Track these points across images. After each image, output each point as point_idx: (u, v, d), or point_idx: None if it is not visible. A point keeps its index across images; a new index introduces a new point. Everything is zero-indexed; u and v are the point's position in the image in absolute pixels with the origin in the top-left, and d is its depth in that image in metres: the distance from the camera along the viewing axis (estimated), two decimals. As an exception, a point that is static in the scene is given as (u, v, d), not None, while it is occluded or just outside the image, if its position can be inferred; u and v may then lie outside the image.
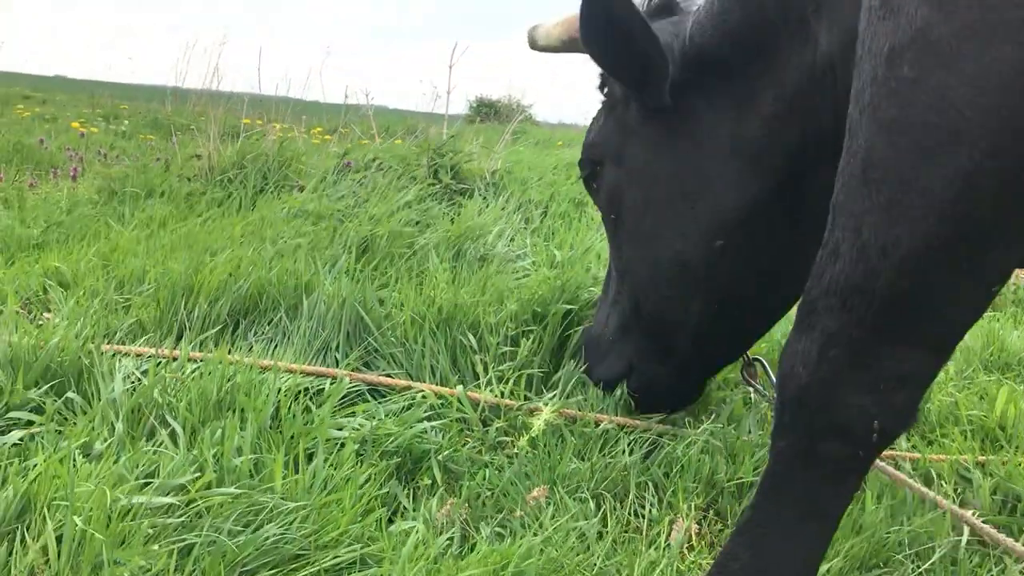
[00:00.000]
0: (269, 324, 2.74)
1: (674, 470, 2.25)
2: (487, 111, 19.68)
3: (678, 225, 2.11)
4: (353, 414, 2.38)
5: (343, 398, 2.44)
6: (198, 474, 1.91)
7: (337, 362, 2.63)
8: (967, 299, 1.37)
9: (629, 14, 1.94)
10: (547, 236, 4.10)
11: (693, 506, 2.11)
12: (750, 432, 2.43)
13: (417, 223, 3.80)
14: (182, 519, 1.77)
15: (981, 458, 2.49)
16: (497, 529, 2.00)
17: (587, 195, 5.32)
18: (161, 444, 2.06)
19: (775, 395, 1.57)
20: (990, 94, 1.18)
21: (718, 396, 2.73)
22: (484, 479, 2.17)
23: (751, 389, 2.47)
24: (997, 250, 1.30)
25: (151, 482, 1.86)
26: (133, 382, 2.35)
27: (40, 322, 2.77)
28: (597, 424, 2.42)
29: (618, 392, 2.51)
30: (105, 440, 2.04)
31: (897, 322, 1.36)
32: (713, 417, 2.50)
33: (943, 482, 2.37)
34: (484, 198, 4.39)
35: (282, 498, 1.89)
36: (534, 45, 2.52)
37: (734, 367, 2.63)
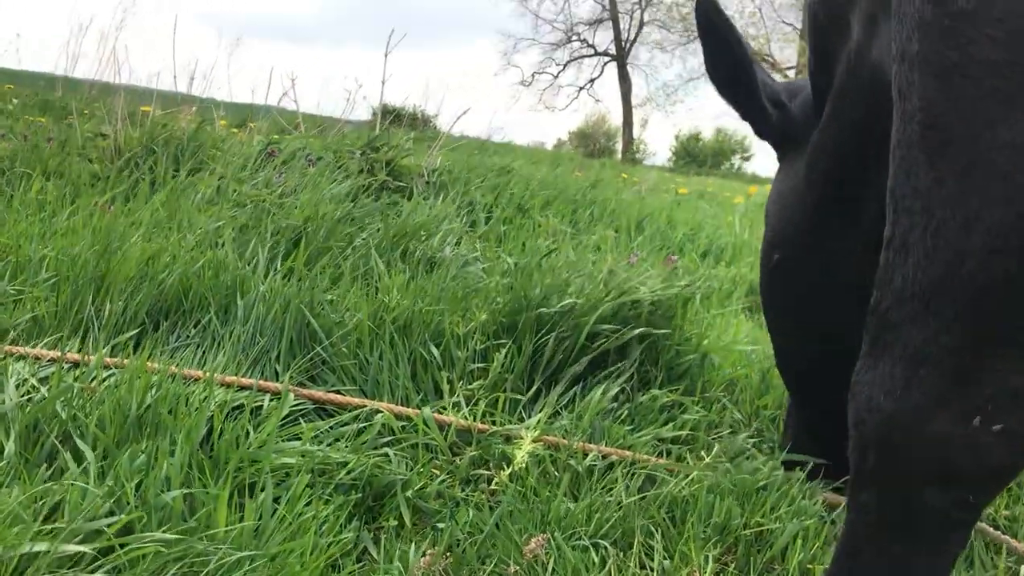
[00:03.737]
0: (195, 327, 2.32)
1: (679, 512, 1.95)
2: (392, 118, 19.31)
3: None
4: (297, 437, 2.00)
5: (284, 418, 2.05)
6: (117, 513, 1.51)
7: (278, 374, 2.23)
8: None
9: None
10: (497, 240, 3.79)
11: (710, 557, 1.80)
12: (758, 470, 2.15)
13: (353, 219, 3.40)
14: (98, 576, 1.36)
15: None
16: (490, 586, 1.66)
17: (533, 199, 5.03)
18: (66, 472, 1.64)
19: (851, 436, 1.27)
20: None
21: (706, 420, 2.44)
22: (465, 522, 1.82)
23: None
24: None
25: (54, 527, 1.44)
26: (29, 391, 1.90)
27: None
28: (585, 454, 2.10)
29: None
30: (-8, 466, 1.60)
31: (999, 320, 1.07)
32: (714, 451, 2.21)
33: None
34: (425, 197, 4.02)
35: (228, 548, 1.50)
36: None
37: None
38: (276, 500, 1.72)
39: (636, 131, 35.98)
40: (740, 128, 37.85)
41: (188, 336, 2.28)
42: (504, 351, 2.34)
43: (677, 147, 36.69)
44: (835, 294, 1.83)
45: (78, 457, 1.69)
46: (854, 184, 1.72)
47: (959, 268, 1.06)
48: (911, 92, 1.10)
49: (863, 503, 1.24)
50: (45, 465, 1.65)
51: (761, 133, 2.06)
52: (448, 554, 1.73)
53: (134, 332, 2.23)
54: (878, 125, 1.41)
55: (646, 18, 36.56)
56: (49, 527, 1.44)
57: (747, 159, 36.44)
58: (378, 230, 3.21)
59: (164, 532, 1.48)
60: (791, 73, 31.14)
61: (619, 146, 34.89)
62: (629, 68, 36.95)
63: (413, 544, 1.72)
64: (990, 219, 1.03)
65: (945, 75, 1.06)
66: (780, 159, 2.08)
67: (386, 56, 4.85)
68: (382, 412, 2.12)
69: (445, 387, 2.26)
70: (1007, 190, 1.02)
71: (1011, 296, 1.05)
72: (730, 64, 1.91)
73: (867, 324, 1.21)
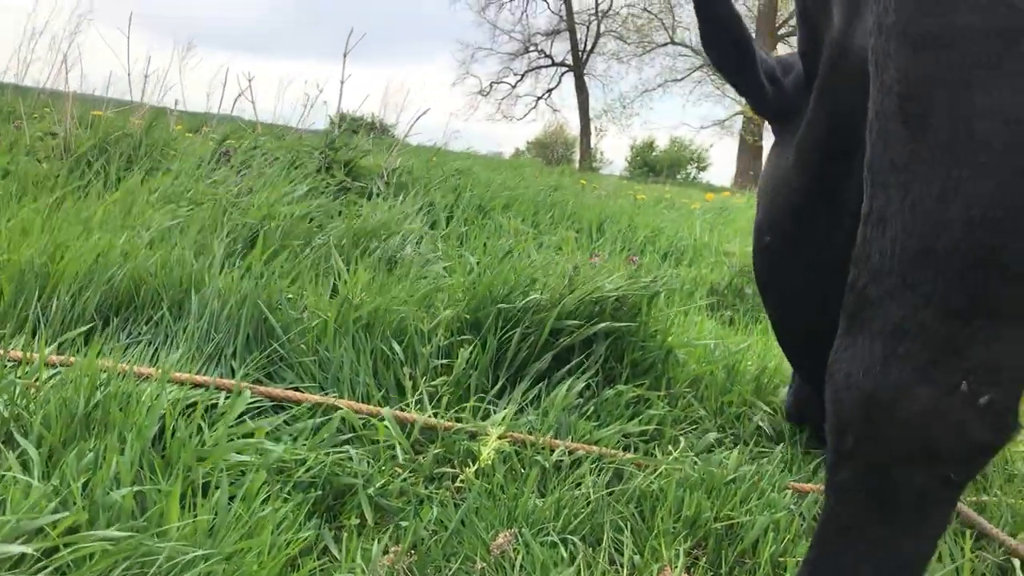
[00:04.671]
0: (148, 324, 2.23)
1: (648, 507, 1.91)
2: (350, 126, 19.16)
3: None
4: (251, 435, 1.93)
5: (240, 415, 1.98)
6: (62, 512, 1.43)
7: (233, 371, 2.15)
8: None
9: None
10: (460, 240, 3.73)
11: (681, 551, 1.76)
12: (723, 463, 2.12)
13: (311, 219, 3.33)
14: (43, 577, 1.28)
15: None
16: (457, 583, 1.60)
17: (493, 201, 4.98)
18: (8, 470, 1.55)
19: (828, 417, 1.24)
20: None
21: (672, 416, 2.41)
22: (429, 519, 1.76)
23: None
24: None
25: (-4, 525, 1.36)
26: (-32, 390, 1.81)
27: None
28: (552, 450, 2.05)
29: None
30: (-71, 465, 1.52)
31: (979, 292, 1.04)
32: (681, 445, 2.18)
33: None
34: (384, 198, 3.96)
35: (182, 545, 1.42)
36: None
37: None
38: (232, 499, 1.65)
39: (593, 140, 36.15)
40: (695, 138, 38.23)
41: (140, 333, 2.20)
42: (469, 348, 2.28)
43: (633, 156, 36.92)
44: (820, 279, 1.81)
45: (21, 456, 1.61)
46: (839, 171, 1.69)
47: (937, 240, 1.03)
48: (888, 64, 1.08)
49: (841, 484, 1.20)
50: (-14, 464, 1.57)
51: (758, 109, 2.04)
52: (412, 551, 1.67)
53: (83, 329, 2.14)
54: (862, 112, 1.39)
55: (602, 29, 36.79)
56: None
57: (703, 169, 36.76)
58: (337, 229, 3.14)
59: (113, 531, 1.41)
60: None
61: (577, 155, 35.01)
62: (586, 78, 37.13)
63: (376, 542, 1.66)
64: (969, 189, 1.00)
65: (922, 44, 1.03)
66: (775, 135, 2.07)
67: (345, 56, 4.78)
68: (341, 408, 2.05)
69: (408, 384, 2.20)
70: (986, 159, 0.99)
71: (991, 267, 1.02)
72: (728, 40, 1.90)
73: (844, 302, 1.18)
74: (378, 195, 3.99)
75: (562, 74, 38.59)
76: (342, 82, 4.78)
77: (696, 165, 36.73)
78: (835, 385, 1.18)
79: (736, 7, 1.93)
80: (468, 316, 2.45)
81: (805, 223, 1.82)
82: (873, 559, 1.19)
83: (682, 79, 33.98)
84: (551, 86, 38.82)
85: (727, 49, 1.92)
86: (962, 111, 1.01)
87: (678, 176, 33.82)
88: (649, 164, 34.98)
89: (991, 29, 0.98)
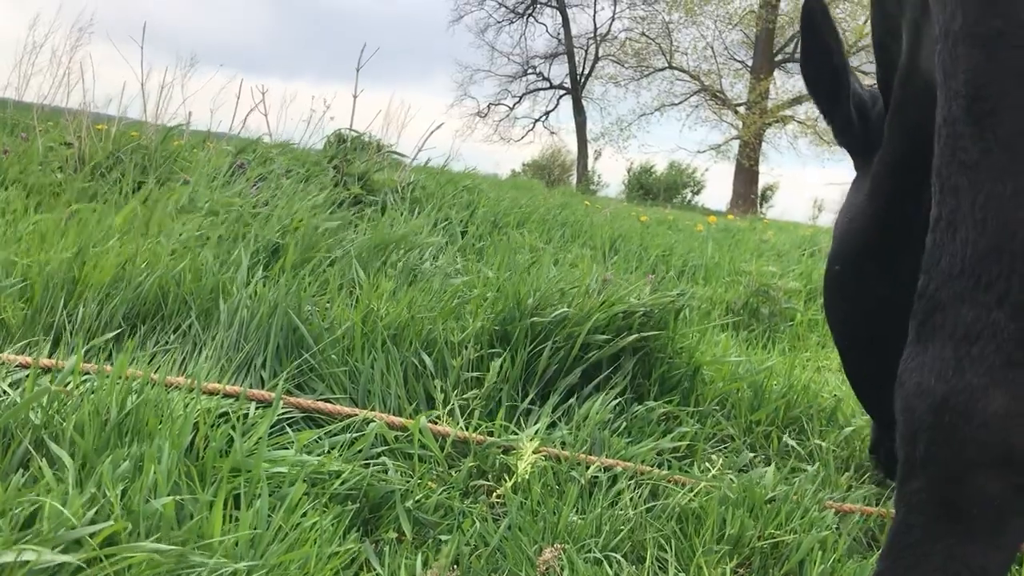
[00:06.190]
0: (175, 332, 2.19)
1: (689, 525, 1.87)
2: (357, 144, 19.20)
3: None
4: (286, 446, 1.89)
5: (272, 427, 1.94)
6: (100, 522, 1.38)
7: (263, 381, 2.11)
8: None
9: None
10: (478, 254, 3.70)
11: (727, 571, 1.72)
12: (762, 480, 2.08)
13: (332, 231, 3.30)
14: (84, 589, 1.24)
15: None
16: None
17: (506, 217, 4.96)
18: (42, 479, 1.51)
19: (899, 427, 1.20)
20: None
21: (703, 433, 2.37)
22: (470, 534, 1.72)
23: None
24: None
25: (33, 535, 1.31)
26: (-1, 396, 1.77)
27: None
28: (587, 466, 2.01)
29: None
30: (-37, 473, 1.47)
31: None
32: (719, 463, 2.14)
33: None
34: (400, 212, 3.93)
35: (223, 557, 1.38)
36: None
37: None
38: (270, 510, 1.60)
39: (590, 163, 36.20)
40: (692, 162, 38.32)
41: (167, 341, 2.16)
42: (499, 361, 2.25)
43: (630, 179, 37.00)
44: (888, 313, 1.78)
45: (55, 464, 1.57)
46: (910, 199, 1.67)
47: (1011, 240, 1.02)
48: (955, 68, 1.08)
49: (913, 494, 1.16)
50: (19, 471, 1.53)
51: (841, 141, 2.03)
52: (455, 567, 1.63)
53: (111, 336, 2.10)
54: (932, 135, 1.37)
55: (600, 53, 36.95)
56: (25, 536, 1.31)
57: (697, 193, 36.83)
58: (358, 241, 3.11)
59: (154, 541, 1.36)
60: (740, 109, 31.61)
61: (573, 178, 35.07)
62: (584, 102, 37.25)
63: (419, 556, 1.62)
64: None
65: (990, 43, 1.03)
66: (856, 169, 2.05)
67: (357, 71, 4.77)
68: (375, 421, 2.01)
69: (439, 396, 2.16)
70: None
71: None
72: (827, 70, 1.89)
73: (914, 310, 1.15)
74: (394, 209, 3.96)
75: (560, 97, 38.72)
76: (355, 96, 4.76)
77: (692, 189, 36.81)
78: (905, 394, 1.15)
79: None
80: (497, 328, 2.42)
81: (875, 253, 1.80)
82: (946, 572, 1.15)
83: (679, 103, 34.10)
84: (549, 108, 38.94)
85: (822, 76, 1.91)
86: None
87: (675, 199, 33.89)
88: (646, 187, 35.05)
89: None
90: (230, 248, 2.75)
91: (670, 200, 30.86)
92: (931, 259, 1.12)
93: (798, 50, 1.81)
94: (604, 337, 2.43)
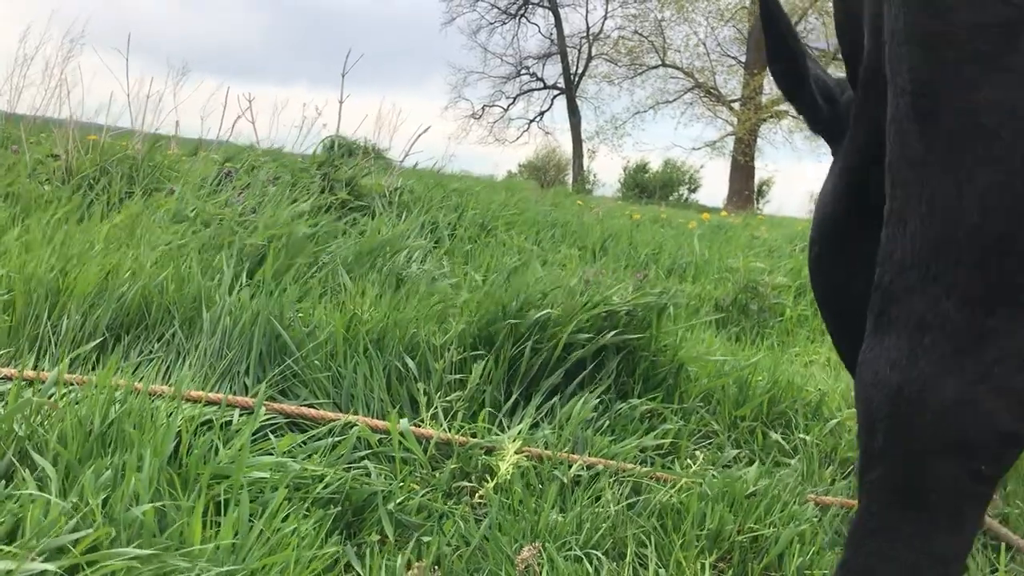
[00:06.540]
0: (159, 341, 2.21)
1: (670, 521, 1.89)
2: (346, 149, 19.20)
3: None
4: (268, 452, 1.91)
5: (255, 432, 1.96)
6: (83, 530, 1.40)
7: (247, 388, 2.13)
8: None
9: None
10: (464, 258, 3.72)
11: (706, 565, 1.74)
12: (743, 476, 2.10)
13: (317, 237, 3.32)
14: (67, 595, 1.26)
15: None
16: (483, 599, 1.58)
17: (495, 220, 4.98)
18: (24, 488, 1.53)
19: (858, 418, 1.23)
20: None
21: (686, 430, 2.39)
22: (452, 534, 1.74)
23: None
24: None
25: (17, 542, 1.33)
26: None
27: None
28: (570, 465, 2.03)
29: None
30: (-55, 484, 1.49)
31: (999, 279, 1.05)
32: (700, 459, 2.16)
33: None
34: (388, 216, 3.95)
35: (206, 562, 1.40)
36: None
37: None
38: (252, 516, 1.62)
39: (585, 162, 36.21)
40: (687, 160, 38.31)
41: (151, 350, 2.18)
42: (482, 363, 2.27)
43: (625, 178, 37.01)
44: (862, 292, 1.83)
45: (38, 474, 1.59)
46: (875, 188, 1.71)
47: (955, 231, 1.05)
48: (900, 66, 1.11)
49: (873, 483, 1.18)
50: (2, 481, 1.55)
51: (813, 127, 2.06)
52: (436, 567, 1.65)
53: (94, 345, 2.12)
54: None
55: (593, 52, 36.96)
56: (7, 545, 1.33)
57: (694, 190, 36.84)
58: (343, 246, 3.13)
59: (136, 548, 1.38)
60: (735, 105, 31.65)
61: (569, 177, 35.08)
62: (578, 101, 37.26)
63: (399, 557, 1.64)
64: (981, 179, 1.03)
65: (929, 43, 1.07)
66: (832, 155, 2.08)
67: (343, 76, 4.80)
68: (357, 425, 2.03)
69: (422, 400, 2.18)
70: (995, 149, 1.02)
71: (1009, 255, 1.04)
72: (786, 57, 1.91)
73: (871, 302, 1.18)
74: (381, 214, 3.98)
75: (554, 97, 38.74)
76: (341, 102, 4.79)
77: (688, 186, 36.83)
78: (863, 384, 1.18)
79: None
80: (479, 331, 2.44)
81: (845, 235, 1.83)
82: (906, 558, 1.17)
83: (673, 100, 34.12)
84: (543, 109, 38.95)
85: (783, 64, 1.93)
86: (968, 105, 1.04)
87: (671, 197, 33.90)
88: (641, 185, 35.07)
89: (991, 24, 1.02)
90: (214, 257, 2.77)
91: (666, 198, 30.89)
92: (885, 252, 1.15)
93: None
94: (587, 336, 2.45)
